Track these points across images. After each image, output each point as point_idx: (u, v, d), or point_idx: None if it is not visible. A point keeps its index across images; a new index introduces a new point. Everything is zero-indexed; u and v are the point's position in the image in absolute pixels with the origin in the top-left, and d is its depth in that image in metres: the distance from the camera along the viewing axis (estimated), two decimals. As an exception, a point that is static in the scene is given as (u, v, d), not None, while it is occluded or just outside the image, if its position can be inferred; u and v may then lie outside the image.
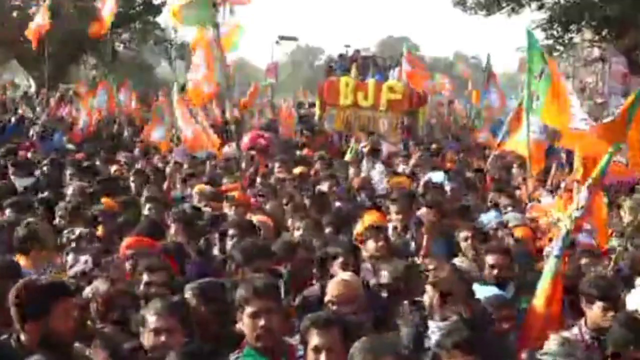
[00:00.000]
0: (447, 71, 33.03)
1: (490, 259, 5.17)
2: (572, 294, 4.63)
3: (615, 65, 17.80)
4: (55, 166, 9.70)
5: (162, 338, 3.56)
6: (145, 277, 4.36)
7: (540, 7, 28.04)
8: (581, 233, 5.66)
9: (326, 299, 4.16)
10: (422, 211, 6.68)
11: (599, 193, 5.69)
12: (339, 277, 4.39)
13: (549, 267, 4.55)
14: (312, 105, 19.46)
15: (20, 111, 17.54)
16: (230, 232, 5.67)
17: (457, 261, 5.32)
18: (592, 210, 5.62)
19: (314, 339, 3.40)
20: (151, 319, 3.63)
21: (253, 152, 11.22)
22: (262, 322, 3.48)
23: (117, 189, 8.33)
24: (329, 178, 9.03)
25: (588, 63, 33.27)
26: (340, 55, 19.79)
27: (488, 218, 6.88)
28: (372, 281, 5.03)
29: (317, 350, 3.38)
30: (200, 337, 3.82)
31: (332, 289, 4.17)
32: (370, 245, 5.54)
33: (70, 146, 12.64)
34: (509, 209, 7.59)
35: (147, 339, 3.62)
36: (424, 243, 5.83)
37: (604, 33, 27.32)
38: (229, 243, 5.57)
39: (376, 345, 3.23)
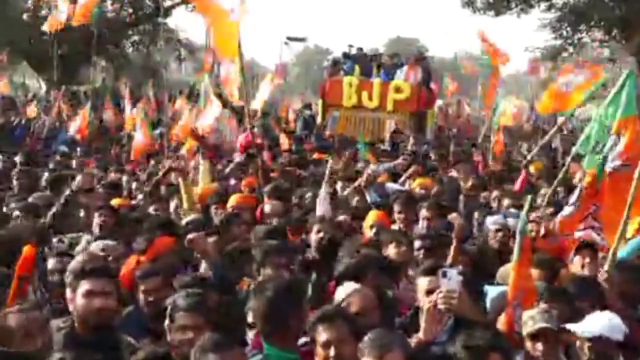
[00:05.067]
0: (453, 71, 32.70)
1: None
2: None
3: (624, 65, 17.70)
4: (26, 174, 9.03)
5: (190, 335, 3.54)
6: (141, 286, 4.32)
7: (549, 8, 27.94)
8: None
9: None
10: (452, 216, 6.26)
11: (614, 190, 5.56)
12: (354, 288, 4.13)
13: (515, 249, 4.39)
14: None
15: (30, 112, 17.59)
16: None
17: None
18: (601, 208, 5.55)
19: (322, 335, 3.44)
20: (179, 316, 3.62)
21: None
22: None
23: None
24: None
25: (597, 63, 33.10)
26: (345, 54, 18.85)
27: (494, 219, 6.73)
28: None
29: (327, 345, 3.41)
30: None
31: (353, 302, 3.96)
32: (392, 250, 5.29)
33: (63, 148, 12.39)
34: (512, 210, 7.47)
35: (174, 336, 3.61)
36: (453, 247, 5.51)
37: (613, 33, 27.19)
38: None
39: (384, 340, 3.27)
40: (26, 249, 4.32)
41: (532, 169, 10.62)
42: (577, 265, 5.11)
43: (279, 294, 3.63)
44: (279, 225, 6.14)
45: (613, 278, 4.82)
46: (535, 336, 3.87)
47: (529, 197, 4.64)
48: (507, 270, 4.99)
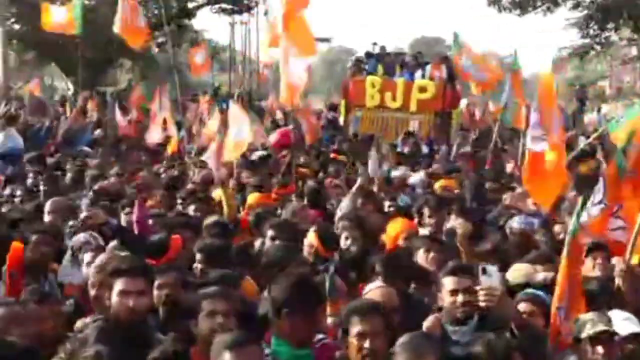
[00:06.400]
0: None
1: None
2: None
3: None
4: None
5: (219, 320, 3.60)
6: (156, 281, 4.30)
7: (576, 6, 27.59)
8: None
9: None
10: (458, 221, 6.12)
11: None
12: (377, 286, 4.19)
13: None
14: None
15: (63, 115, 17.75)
16: (270, 233, 5.62)
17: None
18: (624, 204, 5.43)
19: (357, 326, 3.44)
20: (206, 303, 3.68)
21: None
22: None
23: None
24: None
25: (626, 62, 32.67)
26: (368, 54, 18.72)
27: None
28: None
29: (361, 336, 3.42)
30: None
31: (372, 297, 4.02)
32: (421, 256, 5.26)
33: (86, 148, 12.46)
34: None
35: (202, 324, 3.65)
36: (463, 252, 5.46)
37: (642, 31, 26.80)
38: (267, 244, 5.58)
39: (419, 344, 3.27)
40: (14, 246, 4.41)
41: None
42: (588, 266, 5.02)
43: (291, 292, 3.65)
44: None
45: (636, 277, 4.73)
46: (595, 339, 3.78)
47: (582, 197, 4.54)
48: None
